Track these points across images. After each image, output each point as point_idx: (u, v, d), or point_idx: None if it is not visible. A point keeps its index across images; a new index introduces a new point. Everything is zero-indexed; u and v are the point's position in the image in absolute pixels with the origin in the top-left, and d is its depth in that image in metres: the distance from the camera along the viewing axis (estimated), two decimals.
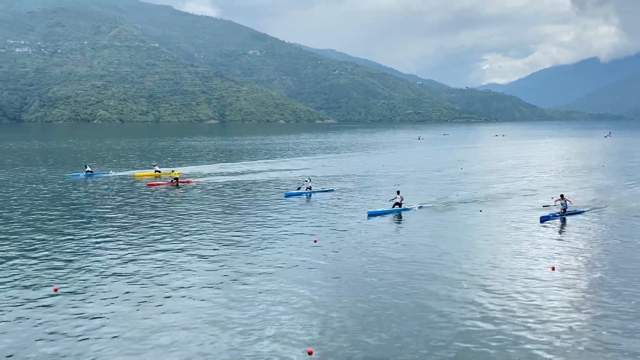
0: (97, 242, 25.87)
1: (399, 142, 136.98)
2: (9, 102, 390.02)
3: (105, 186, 47.61)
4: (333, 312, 16.71)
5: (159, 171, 54.96)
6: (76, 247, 24.82)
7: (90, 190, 44.82)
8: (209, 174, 57.50)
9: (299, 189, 42.93)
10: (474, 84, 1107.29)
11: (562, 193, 34.11)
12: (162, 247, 25.05)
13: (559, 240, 26.99)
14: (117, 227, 29.61)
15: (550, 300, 17.89)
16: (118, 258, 22.97)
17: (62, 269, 21.33)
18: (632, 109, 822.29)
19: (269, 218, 32.51)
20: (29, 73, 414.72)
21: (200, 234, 27.71)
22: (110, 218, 32.36)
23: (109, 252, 24.05)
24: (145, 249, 24.70)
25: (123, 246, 25.08)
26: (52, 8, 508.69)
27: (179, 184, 47.79)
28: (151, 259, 22.92)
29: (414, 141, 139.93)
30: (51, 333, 15.15)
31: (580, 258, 23.40)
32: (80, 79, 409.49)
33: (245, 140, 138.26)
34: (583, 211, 33.50)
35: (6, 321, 15.99)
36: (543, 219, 31.03)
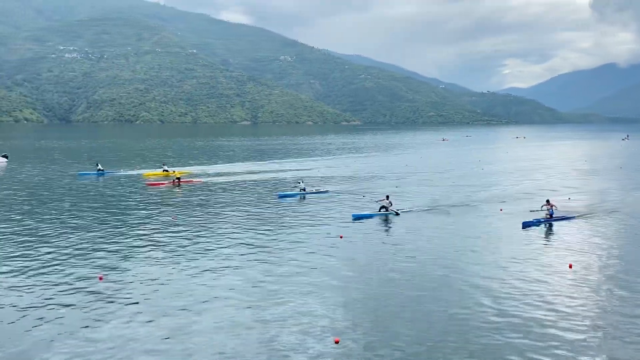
0: (128, 238, 26.21)
1: (423, 143, 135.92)
2: (58, 103, 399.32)
3: (117, 185, 46.11)
4: (358, 305, 16.59)
5: (167, 171, 52.23)
6: (115, 241, 25.21)
7: (110, 188, 45.04)
8: (233, 172, 57.58)
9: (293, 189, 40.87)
10: (495, 88, 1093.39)
11: (548, 198, 31.19)
12: (193, 244, 25.12)
13: (544, 245, 25.33)
14: (147, 225, 29.90)
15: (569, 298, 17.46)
16: (154, 252, 23.22)
17: (106, 259, 21.69)
18: None
19: (282, 216, 32.37)
20: (77, 77, 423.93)
21: (218, 232, 27.37)
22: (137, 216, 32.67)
23: (147, 246, 24.32)
24: (177, 246, 24.84)
25: (159, 242, 25.33)
26: (99, 16, 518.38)
27: (181, 183, 45.55)
28: (183, 255, 23.03)
29: (438, 142, 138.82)
30: (97, 320, 15.38)
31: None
32: (124, 82, 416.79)
33: (275, 141, 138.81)
34: (572, 217, 30.61)
35: (55, 308, 16.28)
36: (525, 225, 28.37)
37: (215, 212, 32.87)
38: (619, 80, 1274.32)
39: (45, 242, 24.32)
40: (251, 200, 37.67)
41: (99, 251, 22.86)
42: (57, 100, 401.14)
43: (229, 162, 69.85)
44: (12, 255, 22.11)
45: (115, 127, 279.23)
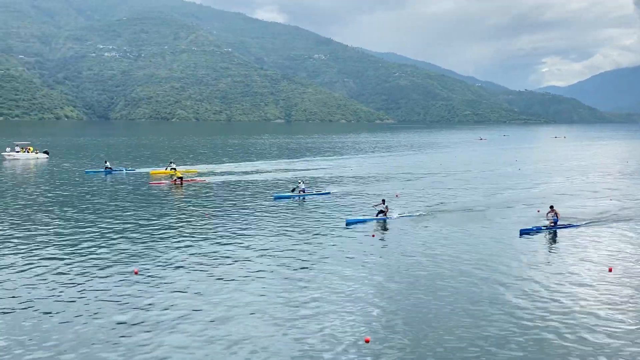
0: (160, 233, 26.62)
1: (459, 142, 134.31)
2: (97, 101, 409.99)
3: (122, 183, 45.90)
4: (388, 304, 16.45)
5: (175, 169, 50.01)
6: (149, 236, 25.65)
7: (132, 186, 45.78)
8: (261, 171, 57.92)
9: (293, 190, 39.01)
10: (533, 87, 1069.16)
11: (552, 204, 29.01)
12: (223, 240, 25.42)
13: (543, 253, 24.79)
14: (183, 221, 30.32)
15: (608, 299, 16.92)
16: (187, 247, 23.54)
17: (142, 253, 22.10)
18: None
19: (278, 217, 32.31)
20: (115, 75, 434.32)
21: (245, 229, 27.81)
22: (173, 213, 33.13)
23: (180, 242, 24.68)
24: (210, 241, 25.14)
25: (192, 237, 25.69)
26: (137, 16, 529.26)
27: (183, 182, 44.30)
28: (215, 250, 23.31)
29: (475, 141, 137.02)
30: (132, 308, 15.66)
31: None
32: (160, 81, 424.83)
33: (308, 139, 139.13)
34: (576, 225, 28.46)
35: (93, 300, 16.65)
36: (523, 232, 26.40)
37: (223, 212, 33.08)
38: None
39: (76, 236, 24.94)
40: (246, 201, 36.16)
41: (127, 244, 23.33)
42: (96, 98, 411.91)
43: (259, 160, 70.34)
44: (48, 247, 22.74)
45: (152, 125, 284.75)
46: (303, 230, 27.08)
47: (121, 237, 24.87)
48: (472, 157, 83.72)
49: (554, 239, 25.95)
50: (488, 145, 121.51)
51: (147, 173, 52.45)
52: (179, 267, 20.24)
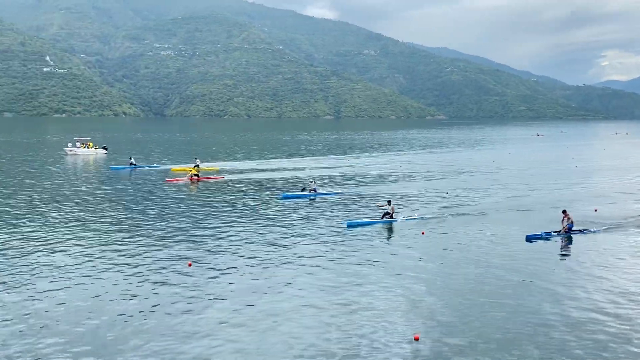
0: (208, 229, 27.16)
1: (514, 139, 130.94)
2: (154, 99, 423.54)
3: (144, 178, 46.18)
4: (438, 302, 16.20)
5: (199, 166, 48.57)
6: (201, 231, 26.27)
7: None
8: (310, 167, 58.06)
9: (303, 190, 37.36)
10: (592, 81, 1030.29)
11: (564, 208, 26.85)
12: (266, 238, 25.70)
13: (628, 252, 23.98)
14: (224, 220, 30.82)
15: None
16: (238, 242, 23.96)
17: (196, 248, 22.66)
18: None
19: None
20: (171, 73, 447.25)
21: (278, 226, 27.94)
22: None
23: (231, 237, 25.16)
24: (253, 239, 25.49)
25: (242, 234, 26.13)
26: (192, 15, 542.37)
27: (200, 180, 43.62)
28: (262, 249, 23.60)
29: (532, 137, 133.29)
30: (189, 297, 16.08)
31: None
32: (214, 78, 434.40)
33: (357, 136, 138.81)
34: (594, 230, 26.18)
35: (147, 289, 17.20)
36: (529, 238, 24.55)
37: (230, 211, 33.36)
38: None
39: (132, 232, 25.83)
40: (255, 200, 35.06)
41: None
42: (152, 95, 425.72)
43: (308, 156, 70.73)
44: (106, 242, 23.65)
45: (205, 122, 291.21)
46: (337, 231, 27.07)
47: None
48: (527, 153, 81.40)
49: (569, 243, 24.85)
50: (544, 141, 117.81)
51: (169, 170, 51.85)
52: (232, 266, 20.62)
